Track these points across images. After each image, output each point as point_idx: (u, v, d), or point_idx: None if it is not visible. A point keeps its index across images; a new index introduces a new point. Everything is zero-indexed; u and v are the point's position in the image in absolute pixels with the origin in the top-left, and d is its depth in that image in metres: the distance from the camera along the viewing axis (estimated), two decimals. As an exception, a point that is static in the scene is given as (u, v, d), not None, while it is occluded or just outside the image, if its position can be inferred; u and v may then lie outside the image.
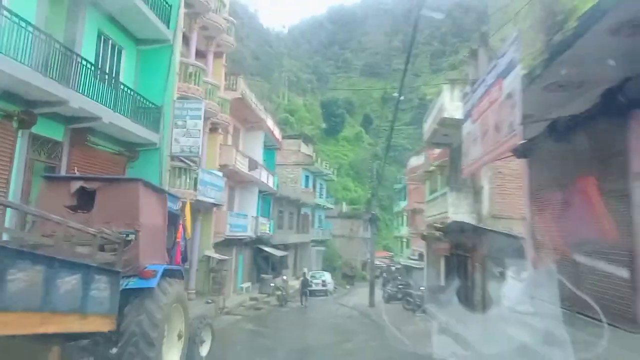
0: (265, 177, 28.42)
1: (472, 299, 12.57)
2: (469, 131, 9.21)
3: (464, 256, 14.38)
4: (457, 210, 16.41)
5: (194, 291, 18.90)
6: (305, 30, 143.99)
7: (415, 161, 30.45)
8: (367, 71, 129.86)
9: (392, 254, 77.62)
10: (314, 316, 22.00)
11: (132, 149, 15.24)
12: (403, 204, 55.34)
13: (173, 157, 15.80)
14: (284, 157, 42.29)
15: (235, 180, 24.99)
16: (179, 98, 15.90)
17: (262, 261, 30.46)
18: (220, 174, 19.97)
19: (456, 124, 16.01)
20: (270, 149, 33.28)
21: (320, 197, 48.28)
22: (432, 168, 26.66)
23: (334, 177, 52.60)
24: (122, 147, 14.92)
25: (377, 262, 76.49)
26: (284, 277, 28.16)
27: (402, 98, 21.07)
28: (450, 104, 16.52)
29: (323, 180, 51.02)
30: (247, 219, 24.61)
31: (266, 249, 30.06)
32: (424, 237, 31.20)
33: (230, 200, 25.10)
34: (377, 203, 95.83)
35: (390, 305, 28.01)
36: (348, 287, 50.47)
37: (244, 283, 27.07)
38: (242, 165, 22.83)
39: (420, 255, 42.06)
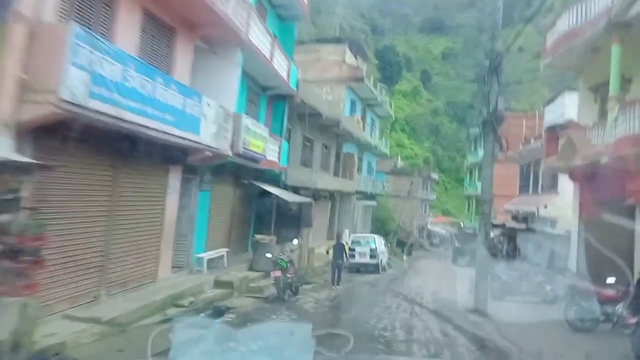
0: (263, 44, 13.23)
1: None
2: None
3: None
4: None
5: None
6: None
7: (564, 24, 13.98)
8: (427, 27, 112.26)
9: (459, 219, 61.23)
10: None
11: None
12: (482, 153, 38.56)
13: None
14: (321, 70, 26.78)
15: (174, 17, 9.86)
16: None
17: (262, 211, 15.59)
18: None
19: None
20: (287, 20, 17.83)
21: (371, 137, 32.49)
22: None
23: (391, 111, 36.43)
24: None
25: (436, 228, 60.42)
26: (295, 242, 13.08)
27: None
28: None
29: (376, 116, 35.07)
30: (202, 104, 9.63)
31: (270, 189, 15.10)
32: (571, 175, 15.07)
33: (156, 59, 9.98)
34: (436, 164, 78.92)
35: (512, 306, 12.46)
36: (405, 257, 35.06)
37: (211, 250, 12.36)
38: None
39: (521, 218, 26.02)
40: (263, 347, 2.01)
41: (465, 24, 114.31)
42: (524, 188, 27.30)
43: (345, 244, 17.78)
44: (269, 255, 12.06)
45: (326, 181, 21.91)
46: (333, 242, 16.35)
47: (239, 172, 13.74)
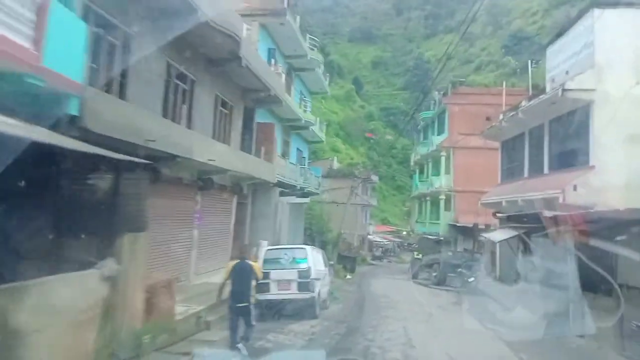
0: None
1: None
2: None
3: None
4: None
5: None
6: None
7: None
8: (356, 37, 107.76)
9: (405, 228, 52.97)
10: None
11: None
12: (438, 140, 29.99)
13: None
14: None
15: None
16: None
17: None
18: None
19: None
20: None
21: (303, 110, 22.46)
22: None
23: (326, 84, 26.77)
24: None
25: (377, 238, 51.38)
26: None
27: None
28: None
29: (306, 90, 25.29)
30: None
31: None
32: None
33: None
34: (373, 169, 71.05)
35: None
36: (349, 276, 25.39)
37: None
38: None
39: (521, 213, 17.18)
40: None
41: (394, 33, 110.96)
42: (513, 172, 18.34)
43: (254, 264, 7.83)
44: None
45: (220, 153, 11.56)
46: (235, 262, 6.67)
47: None
